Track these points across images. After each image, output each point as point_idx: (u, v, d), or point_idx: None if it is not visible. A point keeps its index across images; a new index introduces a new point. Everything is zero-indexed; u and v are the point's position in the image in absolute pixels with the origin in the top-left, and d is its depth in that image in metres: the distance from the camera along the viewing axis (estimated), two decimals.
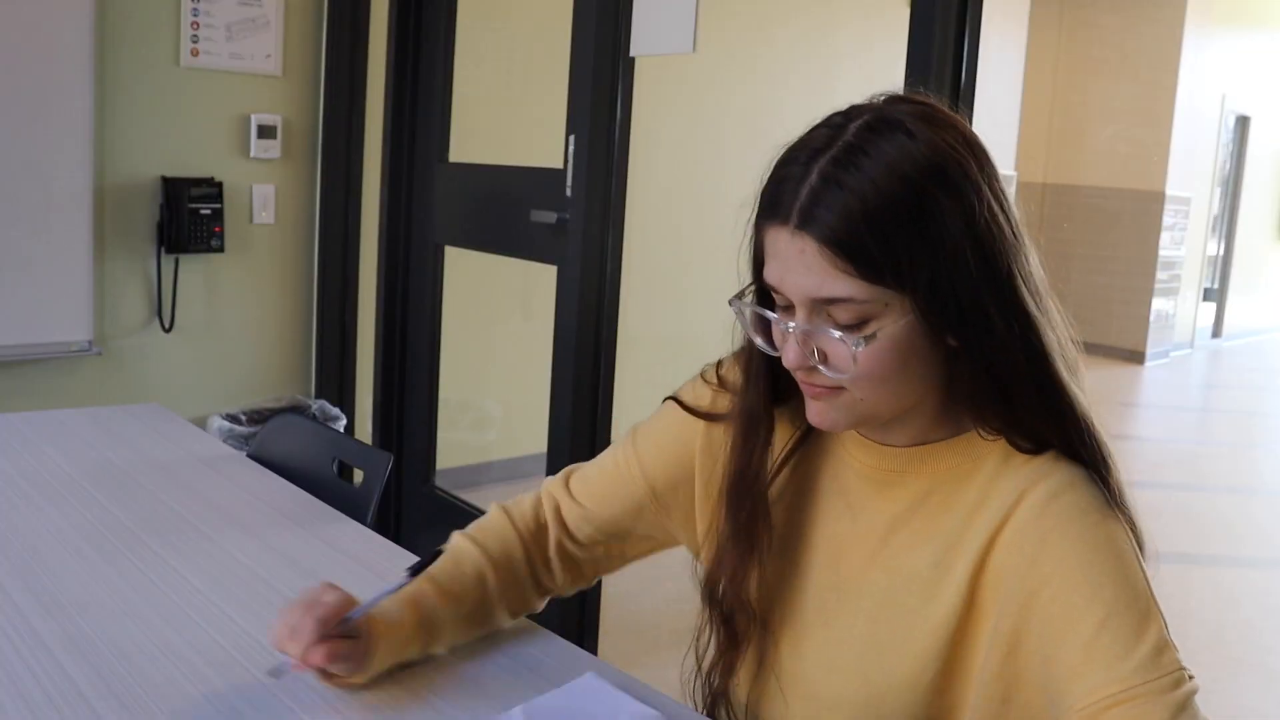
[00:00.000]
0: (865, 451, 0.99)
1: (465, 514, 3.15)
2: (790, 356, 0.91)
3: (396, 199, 3.27)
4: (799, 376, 0.93)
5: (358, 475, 1.73)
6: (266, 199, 3.31)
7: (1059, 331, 0.92)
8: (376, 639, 1.01)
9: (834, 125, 0.89)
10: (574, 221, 2.55)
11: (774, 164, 0.91)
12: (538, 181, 2.70)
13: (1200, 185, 8.62)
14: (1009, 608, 0.88)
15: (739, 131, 4.77)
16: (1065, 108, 8.57)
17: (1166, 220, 8.18)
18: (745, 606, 1.02)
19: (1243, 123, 9.34)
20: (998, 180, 0.90)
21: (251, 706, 0.99)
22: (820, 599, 1.00)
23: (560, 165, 2.59)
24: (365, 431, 3.47)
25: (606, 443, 2.64)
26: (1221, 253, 9.68)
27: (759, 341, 0.96)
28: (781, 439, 1.04)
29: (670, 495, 1.11)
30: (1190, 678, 0.82)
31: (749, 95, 4.82)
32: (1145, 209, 8.19)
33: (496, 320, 3.99)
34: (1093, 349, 8.41)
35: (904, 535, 0.96)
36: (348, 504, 1.59)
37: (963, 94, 1.91)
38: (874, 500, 0.98)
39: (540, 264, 2.73)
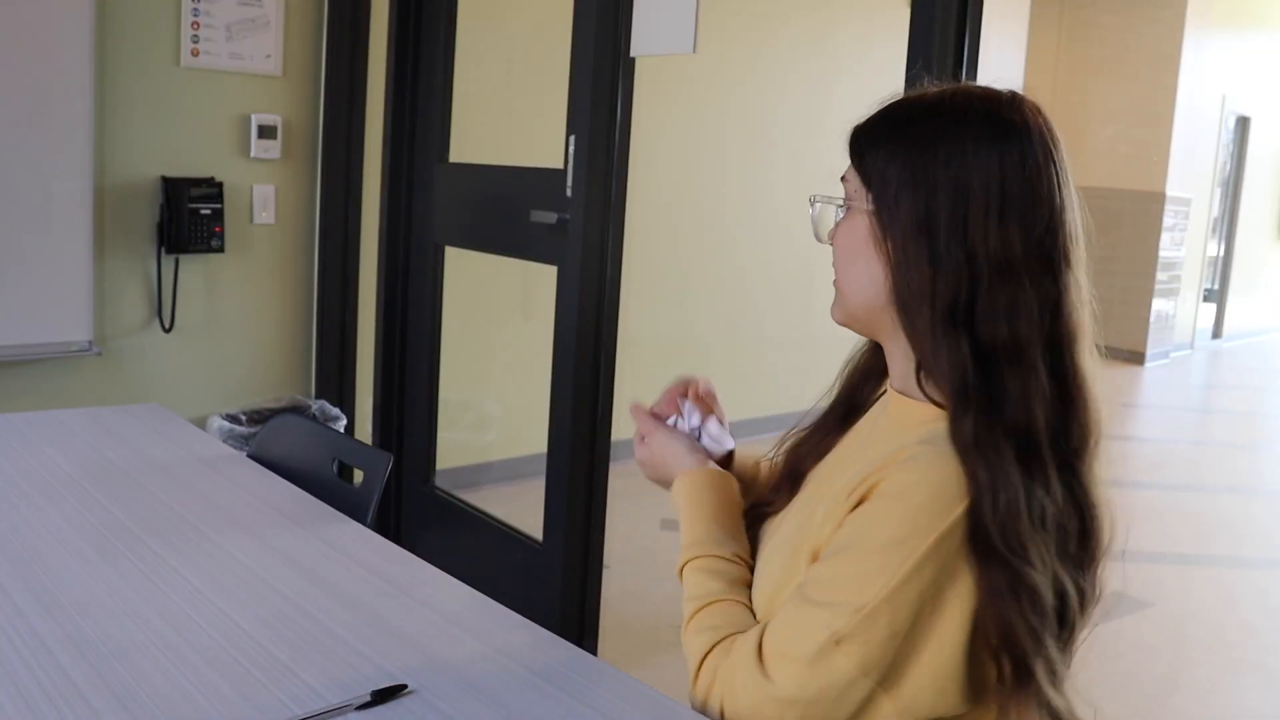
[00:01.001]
0: (890, 398, 1.10)
1: (465, 514, 3.14)
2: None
3: (396, 199, 3.27)
4: None
5: (358, 475, 1.73)
6: (267, 199, 3.31)
7: (1021, 305, 0.95)
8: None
9: None
10: (574, 222, 2.55)
11: None
12: (538, 181, 2.70)
13: (1200, 186, 8.61)
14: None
15: (739, 131, 4.76)
16: (1065, 108, 8.57)
17: (1167, 221, 8.18)
18: (786, 470, 1.18)
19: (1243, 123, 9.34)
20: (1025, 163, 0.97)
21: (251, 706, 0.99)
22: (786, 517, 1.12)
23: (560, 165, 2.59)
24: (365, 431, 3.46)
25: (606, 442, 2.65)
26: (1222, 253, 9.68)
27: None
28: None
29: None
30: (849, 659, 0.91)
31: (749, 95, 4.81)
32: (1145, 210, 8.19)
33: (496, 320, 3.99)
34: None
35: (846, 463, 1.08)
36: (348, 504, 1.59)
37: None
38: (854, 434, 1.13)
39: (540, 264, 2.73)
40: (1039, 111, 1.00)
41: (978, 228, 0.95)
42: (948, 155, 0.97)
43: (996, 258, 0.95)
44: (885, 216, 0.99)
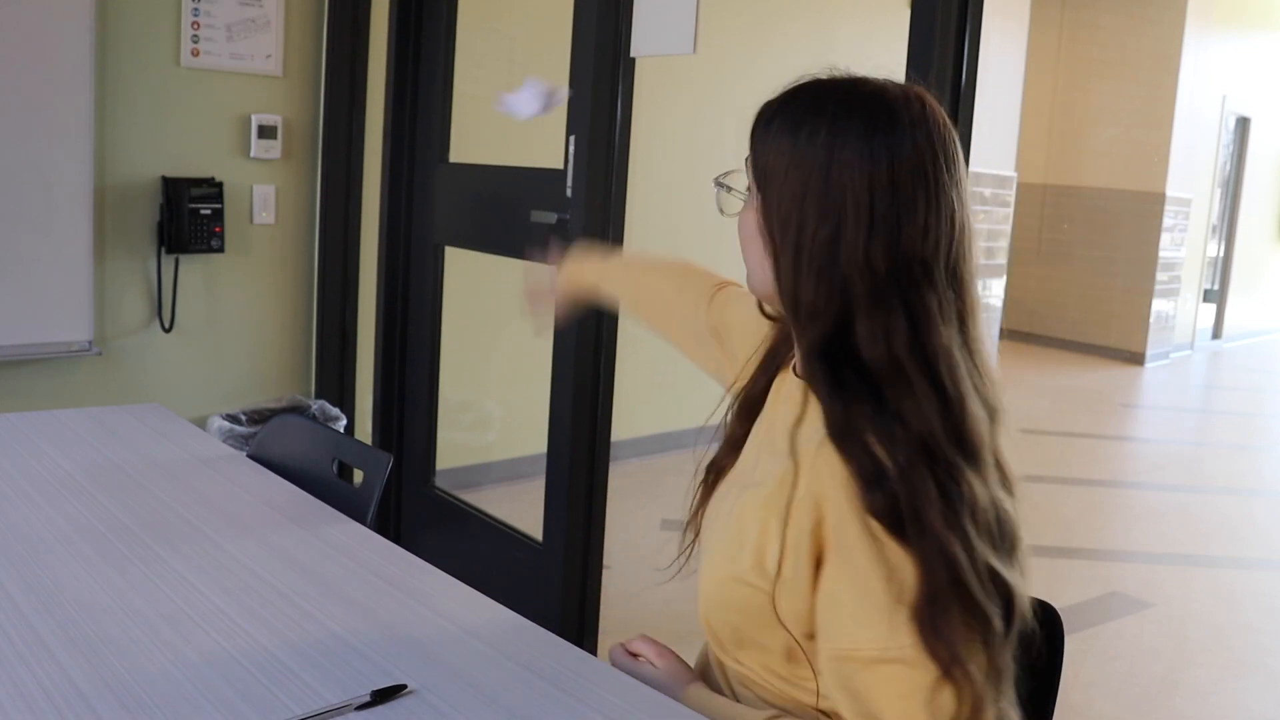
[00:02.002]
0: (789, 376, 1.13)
1: (465, 514, 3.14)
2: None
3: (396, 199, 3.27)
4: None
5: (358, 475, 1.73)
6: (267, 199, 3.31)
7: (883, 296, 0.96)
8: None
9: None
10: (574, 222, 2.55)
11: None
12: (538, 181, 2.70)
13: (1200, 186, 8.61)
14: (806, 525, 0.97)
15: (739, 131, 4.76)
16: (1066, 108, 8.57)
17: (1167, 221, 8.18)
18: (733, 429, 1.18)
19: (1243, 124, 9.34)
20: (900, 160, 0.96)
21: (251, 706, 0.99)
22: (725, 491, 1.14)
23: (560, 165, 2.59)
24: (365, 431, 3.46)
25: (606, 443, 2.65)
26: (1221, 254, 9.68)
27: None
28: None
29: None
30: None
31: (749, 95, 4.80)
32: (1145, 210, 8.18)
33: (496, 320, 3.99)
34: (1092, 350, 8.34)
35: (760, 438, 1.11)
36: (348, 504, 1.59)
37: (963, 94, 1.91)
38: (774, 395, 1.13)
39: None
40: (926, 104, 0.99)
41: (850, 239, 0.95)
42: (826, 161, 0.96)
43: (869, 270, 0.95)
44: (766, 212, 1.02)
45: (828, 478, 0.95)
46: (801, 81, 1.03)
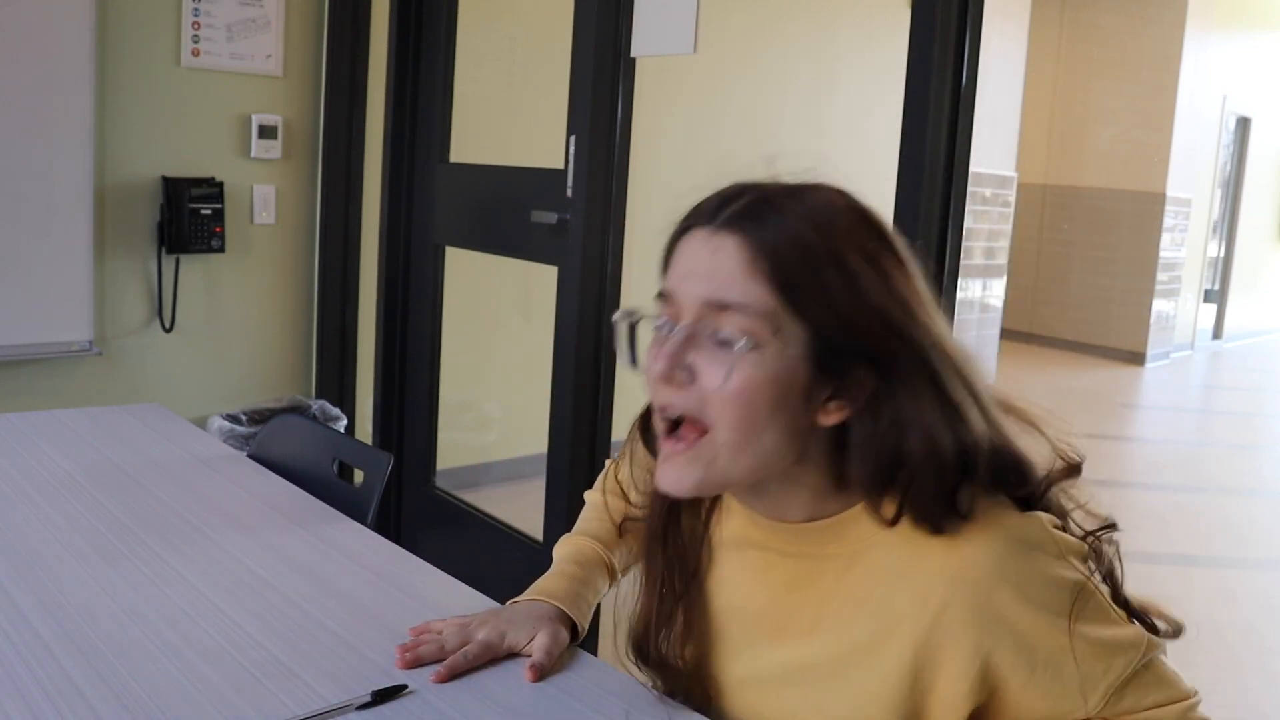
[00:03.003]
0: (775, 535, 0.97)
1: (465, 514, 3.14)
2: (660, 365, 0.86)
3: (397, 199, 3.27)
4: (662, 413, 0.90)
5: (358, 475, 1.73)
6: (267, 199, 3.31)
7: (965, 374, 0.89)
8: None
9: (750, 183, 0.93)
10: (574, 222, 2.55)
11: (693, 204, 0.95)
12: (538, 182, 2.70)
13: (1201, 187, 8.61)
14: (969, 669, 0.88)
15: (739, 131, 4.76)
16: (1066, 108, 8.57)
17: (1167, 221, 8.17)
18: (672, 669, 1.07)
19: (1243, 124, 9.34)
20: (895, 249, 0.91)
21: (251, 706, 0.99)
22: (761, 675, 1.01)
23: (561, 165, 2.59)
24: (365, 432, 3.46)
25: (606, 443, 2.65)
26: (1222, 254, 9.67)
27: (627, 359, 0.94)
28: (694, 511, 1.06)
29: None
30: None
31: (749, 95, 4.81)
32: (1146, 210, 8.18)
33: (496, 320, 3.99)
34: (1093, 350, 8.31)
35: (833, 610, 0.94)
36: (348, 504, 1.59)
37: (963, 94, 1.90)
38: (796, 581, 0.97)
39: (540, 264, 2.73)
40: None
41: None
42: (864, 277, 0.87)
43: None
44: (832, 343, 0.86)
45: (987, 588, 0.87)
46: (763, 193, 0.93)
